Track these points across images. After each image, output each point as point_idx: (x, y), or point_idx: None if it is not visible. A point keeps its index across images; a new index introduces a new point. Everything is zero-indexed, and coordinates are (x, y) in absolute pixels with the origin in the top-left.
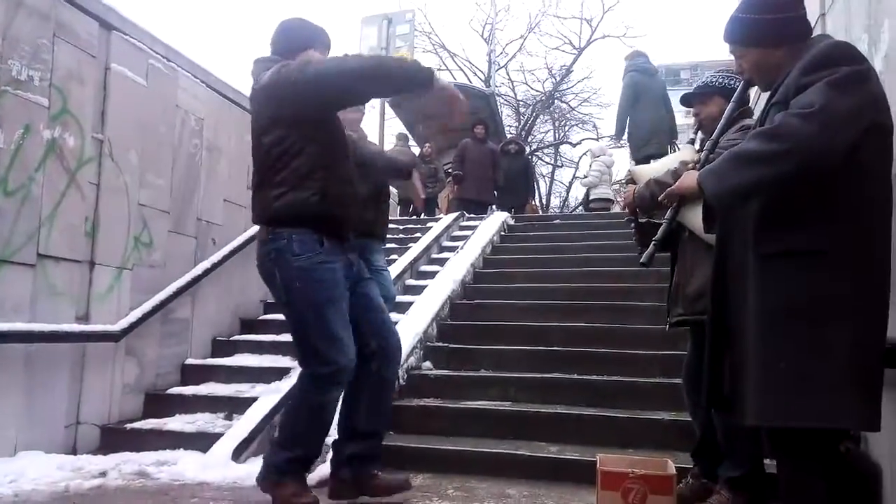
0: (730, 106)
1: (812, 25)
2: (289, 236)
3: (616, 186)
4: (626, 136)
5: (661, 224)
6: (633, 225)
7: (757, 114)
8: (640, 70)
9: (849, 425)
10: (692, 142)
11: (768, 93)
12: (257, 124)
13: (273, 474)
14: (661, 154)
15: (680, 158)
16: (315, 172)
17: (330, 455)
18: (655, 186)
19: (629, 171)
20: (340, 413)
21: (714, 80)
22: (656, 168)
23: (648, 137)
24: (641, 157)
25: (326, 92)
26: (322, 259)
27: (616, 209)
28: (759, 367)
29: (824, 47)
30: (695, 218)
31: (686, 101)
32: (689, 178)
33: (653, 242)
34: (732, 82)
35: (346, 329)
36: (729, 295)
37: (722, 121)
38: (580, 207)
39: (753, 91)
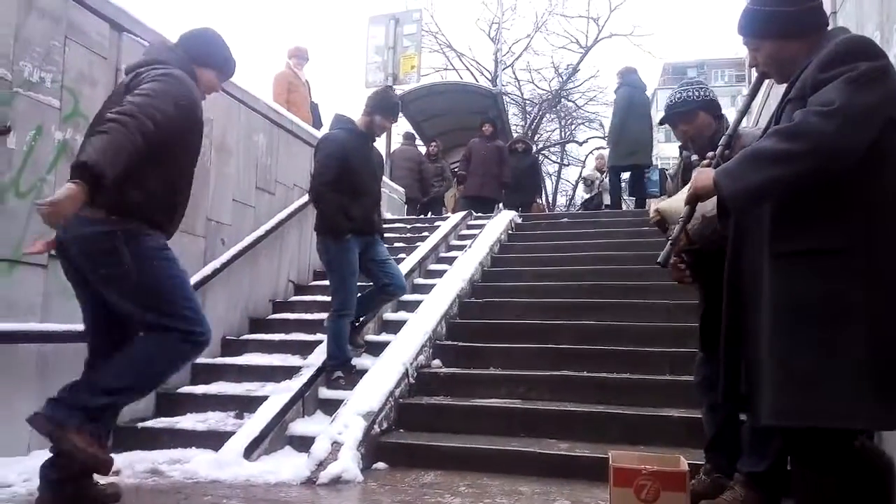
0: (744, 99)
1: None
2: (136, 222)
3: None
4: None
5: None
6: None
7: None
8: (631, 85)
9: (866, 425)
10: (696, 162)
11: (783, 86)
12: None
13: (74, 418)
14: (643, 164)
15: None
16: (164, 176)
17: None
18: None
19: (657, 210)
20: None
21: (691, 94)
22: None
23: (634, 148)
24: (625, 165)
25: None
26: (164, 243)
27: None
28: (775, 366)
29: (842, 42)
30: None
31: (671, 122)
32: (705, 177)
33: (669, 242)
34: (709, 94)
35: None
36: (743, 294)
37: (737, 114)
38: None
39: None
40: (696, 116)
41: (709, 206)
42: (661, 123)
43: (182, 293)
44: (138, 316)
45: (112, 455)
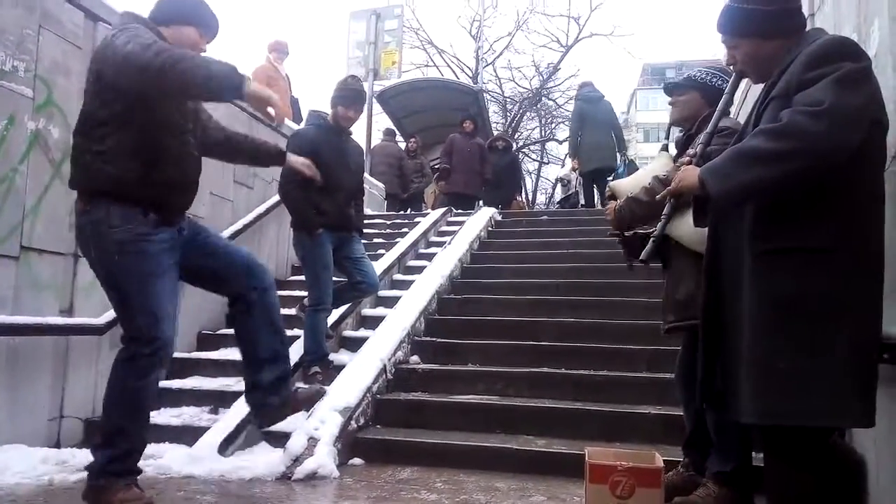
0: (724, 98)
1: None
2: (107, 207)
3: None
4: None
5: (647, 235)
6: (618, 240)
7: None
8: (584, 99)
9: (848, 424)
10: (665, 147)
11: (760, 85)
12: (91, 76)
13: (97, 480)
14: (605, 167)
15: (652, 173)
16: (141, 150)
17: (243, 398)
18: (633, 204)
19: (609, 186)
20: (243, 358)
21: (695, 73)
22: (632, 183)
23: (592, 155)
24: (587, 171)
25: (132, 77)
26: (144, 231)
27: None
28: (756, 365)
29: (826, 42)
30: (681, 226)
31: (668, 90)
32: (690, 175)
33: (651, 239)
34: (715, 80)
35: (170, 305)
36: (723, 292)
37: (717, 113)
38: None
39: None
40: (684, 92)
41: (644, 182)
42: (664, 91)
43: (139, 297)
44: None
45: (86, 450)
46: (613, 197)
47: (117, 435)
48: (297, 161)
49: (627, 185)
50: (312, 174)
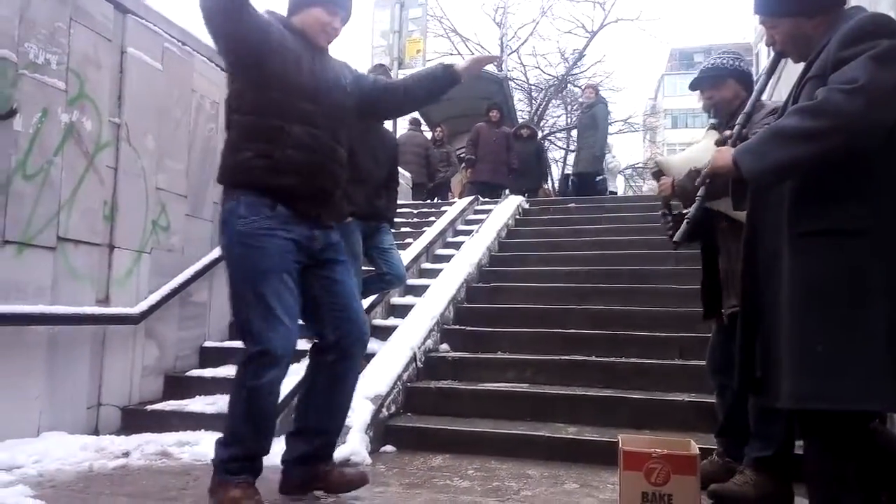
0: (762, 78)
1: None
2: (238, 198)
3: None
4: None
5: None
6: (668, 219)
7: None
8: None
9: (887, 406)
10: (714, 127)
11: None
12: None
13: (217, 473)
14: (589, 171)
15: (703, 151)
16: (261, 132)
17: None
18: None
19: (656, 162)
20: (296, 405)
21: (725, 62)
22: (689, 157)
23: (577, 159)
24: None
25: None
26: (268, 225)
27: None
28: (795, 348)
29: (863, 19)
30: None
31: (696, 86)
32: (724, 156)
33: (685, 220)
34: (743, 65)
35: (288, 306)
36: (760, 275)
37: (754, 94)
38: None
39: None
40: (723, 84)
41: (703, 161)
42: (690, 88)
43: (251, 294)
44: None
45: (123, 437)
46: (661, 173)
47: (235, 435)
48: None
49: (679, 160)
50: None
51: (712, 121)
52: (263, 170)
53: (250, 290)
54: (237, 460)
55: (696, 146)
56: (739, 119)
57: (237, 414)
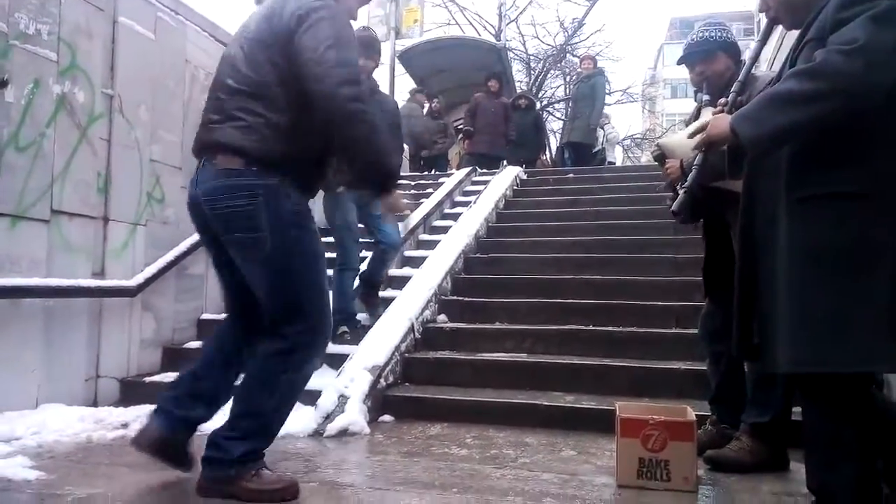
0: (755, 45)
1: None
2: (283, 176)
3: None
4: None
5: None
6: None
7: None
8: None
9: (886, 368)
10: (708, 103)
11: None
12: (260, 35)
13: (226, 470)
14: (583, 142)
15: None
16: (319, 133)
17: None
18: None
19: (657, 144)
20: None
21: (713, 34)
22: (681, 139)
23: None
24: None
25: (304, 78)
26: (308, 208)
27: None
28: (794, 312)
29: None
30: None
31: (687, 61)
32: (721, 124)
33: (683, 190)
34: (730, 35)
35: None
36: (758, 241)
37: (748, 62)
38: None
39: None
40: (714, 57)
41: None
42: (678, 63)
43: (310, 281)
44: (264, 304)
45: (122, 409)
46: (663, 156)
47: (262, 429)
48: None
49: (676, 141)
50: None
51: (704, 97)
52: (313, 163)
53: (310, 272)
54: (255, 452)
55: (695, 124)
56: (734, 87)
57: (272, 407)
